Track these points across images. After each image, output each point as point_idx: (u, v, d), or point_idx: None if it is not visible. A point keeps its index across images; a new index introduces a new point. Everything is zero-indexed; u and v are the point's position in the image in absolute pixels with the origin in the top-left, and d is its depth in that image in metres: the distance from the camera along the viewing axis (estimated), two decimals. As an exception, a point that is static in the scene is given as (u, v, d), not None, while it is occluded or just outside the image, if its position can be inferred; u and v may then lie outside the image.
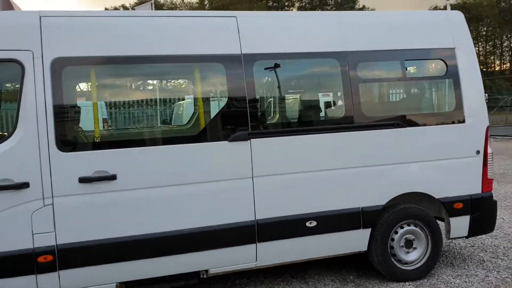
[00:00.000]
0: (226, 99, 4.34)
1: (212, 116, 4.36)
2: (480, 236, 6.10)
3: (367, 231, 4.73)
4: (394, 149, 4.73)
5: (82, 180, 3.88)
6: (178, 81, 5.60)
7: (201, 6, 56.05)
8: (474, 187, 5.00)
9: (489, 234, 5.87)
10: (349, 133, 4.60)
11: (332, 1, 59.65)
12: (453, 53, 4.95)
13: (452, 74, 4.94)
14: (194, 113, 4.82)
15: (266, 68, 4.52)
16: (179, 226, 4.16)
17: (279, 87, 4.88)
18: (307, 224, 4.50)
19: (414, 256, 4.94)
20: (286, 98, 5.18)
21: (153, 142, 4.35)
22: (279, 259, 4.56)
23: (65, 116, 3.91)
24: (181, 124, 5.42)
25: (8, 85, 4.77)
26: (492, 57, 61.02)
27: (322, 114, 5.06)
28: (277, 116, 4.96)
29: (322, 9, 53.86)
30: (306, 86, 5.37)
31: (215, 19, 4.41)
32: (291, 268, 5.24)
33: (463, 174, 4.97)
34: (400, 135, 4.75)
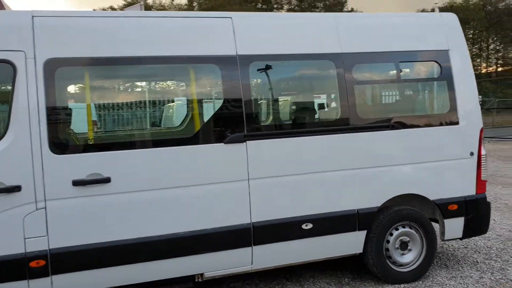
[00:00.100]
0: (222, 100, 4.30)
1: (207, 118, 4.32)
2: (473, 237, 6.12)
3: (363, 233, 4.72)
4: (389, 151, 4.73)
5: (76, 183, 3.81)
6: (173, 82, 5.53)
7: (190, 8, 55.88)
8: (468, 189, 5.02)
9: (482, 235, 5.89)
10: (345, 135, 4.58)
11: (321, 4, 59.87)
12: (447, 55, 4.96)
13: (446, 76, 4.95)
14: (189, 115, 4.77)
15: (261, 70, 4.49)
16: (174, 229, 4.11)
17: (274, 88, 4.85)
18: (303, 226, 4.47)
19: (409, 258, 4.93)
20: (281, 99, 5.16)
21: (148, 144, 4.29)
22: (275, 262, 4.53)
23: (58, 118, 3.84)
24: (176, 126, 5.35)
25: (-1, 86, 4.68)
26: (478, 60, 61.66)
27: (317, 115, 5.04)
28: (273, 118, 4.93)
29: (311, 12, 53.99)
30: (301, 88, 5.34)
31: (210, 20, 4.37)
32: (286, 271, 5.21)
33: (457, 176, 4.98)
34: (395, 137, 4.75)
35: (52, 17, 3.92)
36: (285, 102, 5.13)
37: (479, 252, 5.86)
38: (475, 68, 59.63)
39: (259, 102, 4.82)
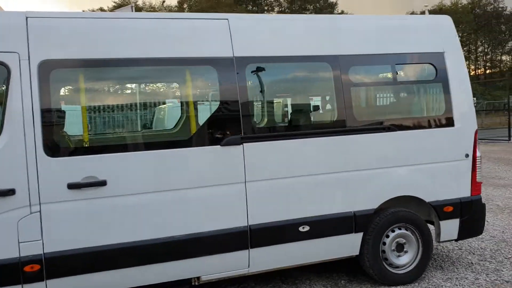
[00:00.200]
0: (218, 102, 4.27)
1: (204, 120, 4.28)
2: (468, 238, 6.14)
3: (359, 235, 4.71)
4: (385, 153, 4.73)
5: (71, 186, 3.76)
6: (169, 84, 5.49)
7: (180, 10, 55.75)
8: (463, 191, 5.04)
9: (476, 237, 5.92)
10: (342, 137, 4.57)
11: (312, 6, 60.09)
12: (442, 57, 4.98)
13: (441, 78, 4.97)
14: (186, 117, 4.73)
15: (258, 71, 4.46)
16: (171, 232, 4.07)
17: (272, 90, 4.84)
18: (300, 229, 4.45)
19: (405, 260, 4.93)
20: (278, 101, 5.14)
21: (144, 146, 4.24)
22: (272, 265, 4.51)
23: (53, 120, 3.79)
24: (172, 128, 5.31)
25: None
26: (467, 62, 62.20)
27: (314, 118, 5.03)
28: (270, 120, 4.92)
29: (302, 14, 54.13)
30: (298, 90, 5.33)
31: (206, 21, 4.34)
32: (281, 273, 5.20)
33: (453, 178, 5.00)
34: (391, 139, 4.75)
35: (46, 18, 3.86)
36: (282, 104, 5.12)
37: (474, 254, 5.88)
38: (464, 70, 60.01)
39: (256, 104, 4.80)
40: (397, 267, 4.91)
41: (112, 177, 3.87)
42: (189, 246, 4.13)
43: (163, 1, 55.51)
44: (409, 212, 4.91)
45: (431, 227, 5.15)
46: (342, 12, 58.01)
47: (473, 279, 5.05)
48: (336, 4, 61.42)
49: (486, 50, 62.70)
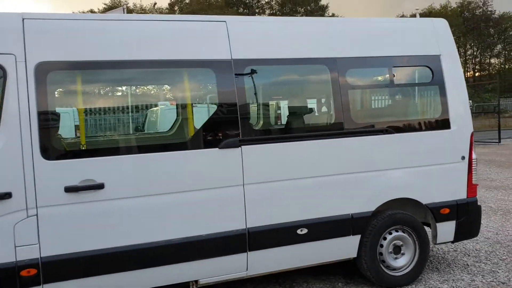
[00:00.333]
0: (217, 105, 4.25)
1: (202, 123, 4.26)
2: (463, 240, 6.17)
3: (357, 238, 4.71)
4: (383, 155, 4.74)
5: (68, 189, 3.72)
6: (167, 86, 5.46)
7: (171, 12, 55.66)
8: (459, 193, 5.06)
9: (471, 238, 5.95)
10: (340, 139, 4.58)
11: (302, 9, 60.30)
12: (438, 60, 5.01)
13: (437, 80, 4.99)
14: (184, 120, 4.70)
15: (256, 74, 4.44)
16: (169, 236, 4.04)
17: (270, 93, 4.83)
18: (298, 231, 4.44)
19: (402, 262, 4.94)
20: (276, 104, 5.14)
21: (142, 149, 4.20)
22: (270, 267, 4.49)
23: (49, 123, 3.74)
24: (170, 130, 5.28)
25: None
26: (456, 65, 62.65)
27: (312, 120, 5.03)
28: (268, 122, 4.91)
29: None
30: (296, 92, 5.33)
31: (204, 24, 4.32)
32: (278, 276, 5.18)
33: (449, 180, 5.02)
34: (389, 141, 4.76)
35: (43, 20, 3.82)
36: (280, 106, 5.11)
37: (469, 255, 5.91)
38: (453, 73, 60.49)
39: (254, 107, 4.79)
40: (394, 269, 4.91)
41: (109, 180, 3.84)
42: (187, 250, 4.10)
43: (155, 3, 55.41)
44: (406, 214, 4.92)
45: (427, 229, 5.17)
46: (333, 15, 58.30)
47: (469, 281, 5.07)
48: (327, 7, 61.72)
49: (475, 53, 63.31)
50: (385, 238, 4.86)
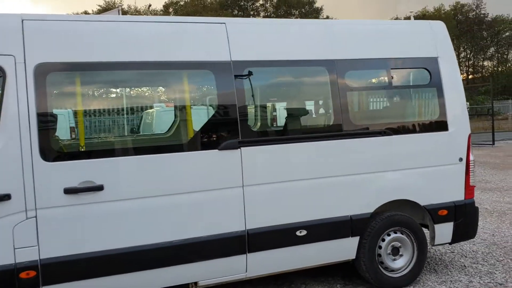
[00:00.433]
0: (216, 106, 4.26)
1: (202, 124, 4.26)
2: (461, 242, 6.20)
3: (356, 239, 4.72)
4: (382, 157, 4.76)
5: (68, 191, 3.70)
6: (167, 88, 5.45)
7: (165, 14, 55.57)
8: (457, 194, 5.09)
9: (469, 240, 5.98)
10: (339, 141, 4.59)
11: (297, 12, 60.42)
12: (436, 62, 5.04)
13: (435, 82, 5.02)
14: (183, 121, 4.70)
15: (256, 76, 4.45)
16: (169, 237, 4.03)
17: (269, 94, 4.84)
18: (297, 233, 4.44)
19: (400, 263, 4.95)
20: (275, 106, 5.14)
21: (142, 151, 4.19)
22: (269, 269, 4.49)
23: (49, 124, 3.73)
24: (170, 132, 5.27)
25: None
26: (450, 68, 62.97)
27: (311, 122, 5.04)
28: (267, 124, 4.91)
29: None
30: (295, 94, 5.34)
31: (204, 25, 4.32)
32: (277, 277, 5.18)
33: (447, 181, 5.05)
34: (387, 143, 4.78)
35: (42, 21, 3.81)
36: (279, 108, 5.12)
37: (466, 257, 5.94)
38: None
39: (253, 108, 4.79)
40: (392, 270, 4.93)
41: (109, 182, 3.82)
42: (187, 251, 4.09)
43: (149, 5, 55.33)
44: (405, 216, 4.94)
45: (425, 230, 5.19)
46: (327, 18, 58.48)
47: (467, 282, 5.09)
48: (321, 9, 61.87)
49: (468, 56, 63.67)
50: (383, 240, 4.87)
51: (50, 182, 3.67)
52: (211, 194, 4.17)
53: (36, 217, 3.64)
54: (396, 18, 51.94)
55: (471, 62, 64.43)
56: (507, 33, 59.56)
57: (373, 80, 5.24)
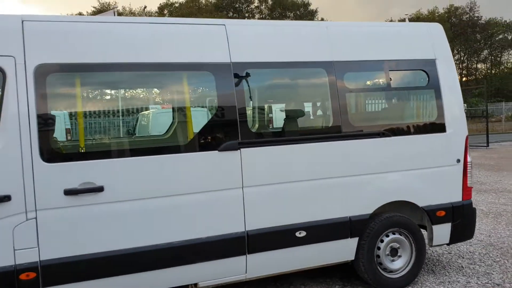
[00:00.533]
0: (216, 108, 4.26)
1: (201, 125, 4.26)
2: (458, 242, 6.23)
3: (355, 240, 4.74)
4: (380, 158, 4.78)
5: (68, 192, 3.70)
6: (167, 89, 5.45)
7: (160, 16, 55.55)
8: (455, 195, 5.11)
9: (466, 240, 6.00)
10: (338, 142, 4.61)
11: (292, 14, 60.52)
12: (434, 64, 5.07)
13: (433, 84, 5.05)
14: (183, 122, 4.70)
15: (255, 77, 4.46)
16: (169, 238, 4.03)
17: (268, 96, 4.85)
18: (297, 234, 4.45)
19: (399, 264, 4.97)
20: (274, 107, 5.15)
21: (142, 152, 4.19)
22: (269, 270, 4.50)
23: (49, 125, 3.72)
24: (170, 133, 5.27)
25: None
26: (444, 70, 63.21)
27: (310, 123, 5.05)
28: (267, 125, 4.92)
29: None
30: (294, 95, 5.36)
31: (203, 27, 4.33)
32: (276, 278, 5.19)
33: (445, 183, 5.08)
34: (386, 145, 4.80)
35: (42, 22, 3.80)
36: (278, 109, 5.13)
37: (463, 257, 5.97)
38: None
39: (253, 110, 4.80)
40: (391, 271, 4.95)
41: (109, 183, 3.82)
42: (187, 253, 4.09)
43: (145, 7, 55.25)
44: (403, 217, 4.96)
45: (423, 231, 5.21)
46: (322, 20, 58.62)
47: (465, 283, 5.12)
48: (316, 12, 62.01)
49: (462, 58, 63.92)
50: (382, 241, 4.89)
51: (50, 183, 3.66)
52: (211, 195, 4.17)
53: (36, 218, 3.63)
54: (391, 21, 52.14)
55: (464, 64, 64.72)
56: (500, 36, 59.97)
57: (372, 82, 5.27)
